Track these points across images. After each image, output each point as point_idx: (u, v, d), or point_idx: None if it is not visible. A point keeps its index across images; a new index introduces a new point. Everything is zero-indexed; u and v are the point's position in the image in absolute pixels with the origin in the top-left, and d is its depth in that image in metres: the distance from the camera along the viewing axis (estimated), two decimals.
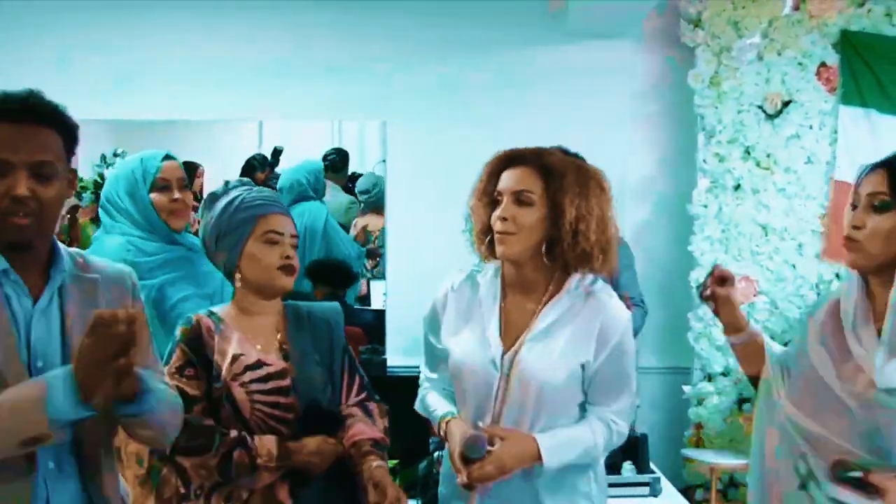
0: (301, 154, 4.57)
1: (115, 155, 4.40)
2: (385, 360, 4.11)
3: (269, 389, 2.05)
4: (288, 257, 2.10)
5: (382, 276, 4.27)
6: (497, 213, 2.00)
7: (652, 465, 3.17)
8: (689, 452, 3.92)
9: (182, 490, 2.03)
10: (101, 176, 4.38)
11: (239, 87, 4.09)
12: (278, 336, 2.13)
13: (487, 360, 2.00)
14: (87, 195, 4.36)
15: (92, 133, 4.47)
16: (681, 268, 4.06)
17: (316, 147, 4.63)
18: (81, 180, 4.39)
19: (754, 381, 2.05)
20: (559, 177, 2.01)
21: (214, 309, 2.15)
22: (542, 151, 2.06)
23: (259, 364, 2.06)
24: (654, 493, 3.05)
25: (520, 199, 1.99)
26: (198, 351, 2.05)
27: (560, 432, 1.97)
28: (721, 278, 1.99)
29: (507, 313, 2.04)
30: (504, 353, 1.99)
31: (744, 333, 2.02)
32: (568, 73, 4.12)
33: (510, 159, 2.05)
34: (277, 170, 4.51)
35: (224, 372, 2.03)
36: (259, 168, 4.53)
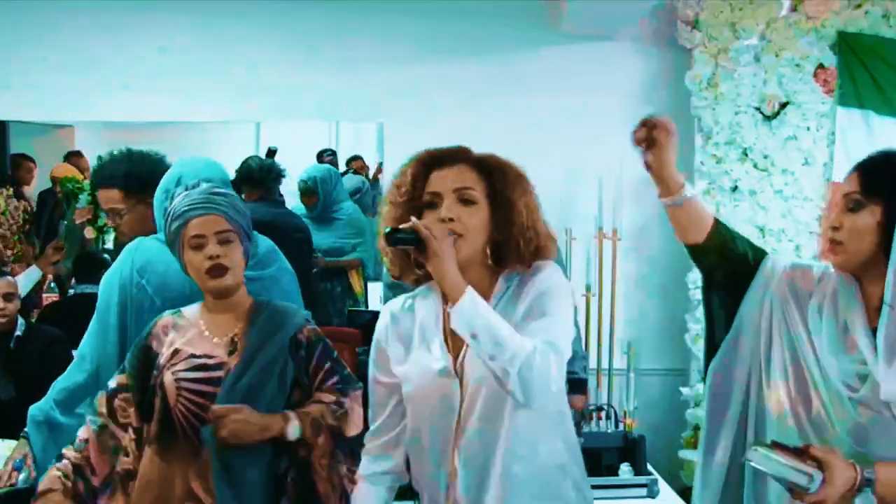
0: (298, 155, 4.58)
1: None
2: None
3: (199, 378, 2.09)
4: (212, 257, 2.10)
5: (379, 278, 4.26)
6: (439, 214, 1.84)
7: (649, 467, 3.17)
8: (687, 454, 3.91)
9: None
10: None
11: (236, 89, 4.09)
12: (235, 330, 2.16)
13: (437, 373, 1.87)
14: (83, 196, 4.36)
15: (89, 135, 4.48)
16: (678, 269, 4.05)
17: (313, 148, 4.64)
18: (78, 182, 4.39)
19: (692, 249, 1.96)
20: (501, 174, 1.90)
21: (184, 308, 2.22)
22: (468, 149, 1.94)
23: (201, 356, 2.11)
24: (652, 494, 3.05)
25: (462, 198, 1.86)
26: (140, 348, 2.18)
27: (491, 313, 1.77)
28: (659, 126, 1.85)
29: (450, 333, 1.88)
30: (455, 361, 1.87)
31: (677, 196, 1.89)
32: (565, 74, 4.12)
33: (437, 159, 1.91)
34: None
35: (162, 361, 2.12)
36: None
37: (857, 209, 1.81)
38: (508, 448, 1.86)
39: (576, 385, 3.23)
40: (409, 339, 1.94)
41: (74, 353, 2.59)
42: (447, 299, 1.83)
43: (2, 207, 4.37)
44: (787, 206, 3.95)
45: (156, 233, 2.63)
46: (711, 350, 2.07)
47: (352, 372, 2.26)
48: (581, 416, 3.25)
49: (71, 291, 4.26)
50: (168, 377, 2.10)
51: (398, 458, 1.97)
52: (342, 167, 4.74)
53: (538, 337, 1.77)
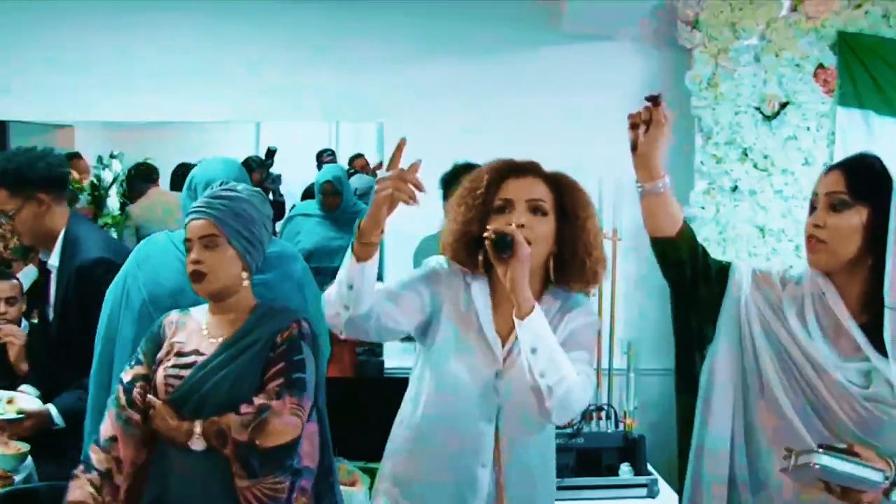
0: (298, 155, 4.58)
1: (112, 157, 4.40)
2: (382, 361, 4.10)
3: (184, 376, 2.11)
4: (193, 262, 2.12)
5: (380, 278, 4.25)
6: (511, 219, 1.93)
7: (649, 467, 3.17)
8: None
9: None
10: (98, 178, 4.38)
11: (236, 89, 4.08)
12: (232, 329, 2.16)
13: (492, 372, 1.97)
14: (83, 197, 4.35)
15: (89, 135, 4.48)
16: None
17: (313, 148, 4.64)
18: (78, 183, 4.39)
19: (663, 243, 1.99)
20: (572, 191, 2.00)
21: (193, 308, 2.23)
22: (539, 164, 2.04)
23: (194, 353, 2.13)
24: (652, 494, 3.06)
25: (533, 207, 1.95)
26: (153, 341, 2.20)
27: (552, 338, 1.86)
28: (662, 109, 1.84)
29: (495, 323, 2.00)
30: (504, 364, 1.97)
31: (661, 182, 1.90)
32: (565, 75, 4.11)
33: (512, 169, 2.01)
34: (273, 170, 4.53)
35: (160, 356, 2.15)
36: (255, 169, 4.53)
37: (841, 209, 1.82)
38: (535, 444, 2.00)
39: None
40: (466, 305, 2.00)
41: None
42: (495, 294, 1.95)
43: None
44: (787, 206, 3.95)
45: (55, 233, 2.67)
46: (687, 357, 2.06)
47: (331, 375, 2.26)
48: (581, 417, 3.25)
49: None
50: (160, 373, 2.12)
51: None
52: (346, 166, 4.74)
53: (577, 366, 1.88)
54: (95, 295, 2.61)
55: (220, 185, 2.23)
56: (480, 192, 1.99)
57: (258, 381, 2.12)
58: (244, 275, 2.17)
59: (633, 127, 1.87)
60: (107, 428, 2.14)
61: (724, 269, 1.98)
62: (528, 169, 2.02)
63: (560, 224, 1.97)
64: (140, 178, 4.41)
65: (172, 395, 2.09)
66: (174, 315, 2.22)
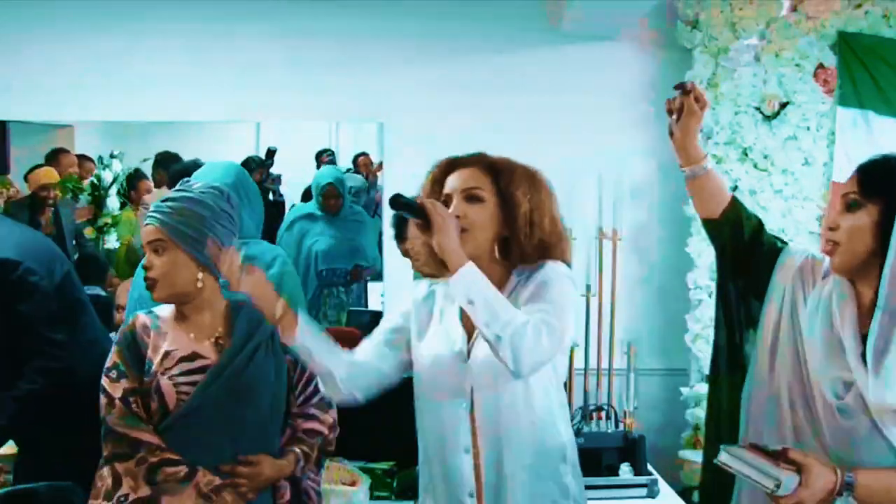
0: (298, 155, 4.58)
1: (112, 157, 4.40)
2: None
3: (197, 381, 2.10)
4: (144, 268, 2.14)
5: (380, 278, 4.26)
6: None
7: (649, 467, 3.17)
8: (687, 454, 3.91)
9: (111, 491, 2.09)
10: (99, 178, 4.38)
11: (236, 89, 4.08)
12: (217, 331, 2.17)
13: (454, 354, 1.99)
14: (83, 197, 4.35)
15: (89, 135, 4.48)
16: (678, 269, 4.05)
17: (313, 148, 4.64)
18: (78, 182, 4.39)
19: (708, 224, 2.01)
20: (508, 172, 2.02)
21: (156, 309, 2.21)
22: (484, 154, 2.07)
23: (193, 357, 2.12)
24: (652, 494, 3.06)
25: (469, 196, 1.98)
26: (130, 349, 2.14)
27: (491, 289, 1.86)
28: (697, 97, 1.90)
29: (465, 315, 1.99)
30: (469, 346, 1.99)
31: (698, 166, 1.95)
32: (565, 75, 4.11)
33: (452, 164, 2.06)
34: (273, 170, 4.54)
35: (155, 366, 2.10)
36: (255, 169, 4.54)
37: (854, 209, 1.81)
38: (515, 427, 1.97)
39: None
40: (428, 319, 2.06)
41: None
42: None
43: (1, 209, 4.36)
44: (787, 206, 3.95)
45: None
46: (730, 337, 2.06)
47: None
48: (581, 417, 3.25)
49: None
50: (165, 382, 2.09)
51: (357, 363, 2.04)
52: (348, 165, 4.74)
53: (535, 316, 1.85)
54: None
55: (176, 187, 2.23)
56: (426, 192, 2.06)
57: (270, 380, 2.17)
58: (200, 275, 2.14)
59: (669, 113, 1.93)
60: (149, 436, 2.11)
61: (774, 252, 1.97)
62: (467, 161, 2.05)
63: (500, 207, 2.00)
64: (163, 166, 4.39)
65: (190, 403, 2.09)
66: (143, 318, 2.19)
